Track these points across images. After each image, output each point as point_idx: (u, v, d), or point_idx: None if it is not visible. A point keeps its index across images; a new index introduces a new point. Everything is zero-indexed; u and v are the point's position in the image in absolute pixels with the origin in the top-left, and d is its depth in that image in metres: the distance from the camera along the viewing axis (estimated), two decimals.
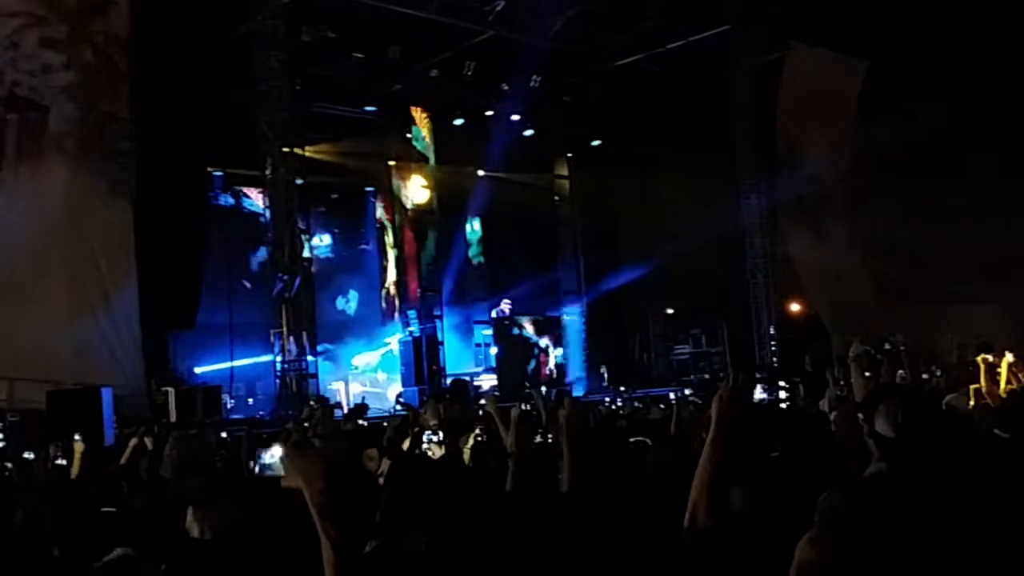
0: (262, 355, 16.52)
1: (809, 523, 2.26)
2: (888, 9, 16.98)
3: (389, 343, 20.02)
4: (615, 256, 22.88)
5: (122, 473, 6.26)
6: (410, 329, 19.16)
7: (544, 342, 20.18)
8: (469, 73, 19.32)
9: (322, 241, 20.17)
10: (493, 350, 19.82)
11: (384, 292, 20.99)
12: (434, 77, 19.41)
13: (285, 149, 15.62)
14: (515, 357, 19.37)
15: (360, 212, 21.31)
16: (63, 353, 13.25)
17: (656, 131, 21.07)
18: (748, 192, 20.38)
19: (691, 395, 13.71)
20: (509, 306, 20.51)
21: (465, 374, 19.35)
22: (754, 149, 20.22)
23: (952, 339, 13.05)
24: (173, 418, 13.68)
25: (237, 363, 17.34)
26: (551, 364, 20.33)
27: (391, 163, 20.73)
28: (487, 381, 19.20)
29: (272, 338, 15.66)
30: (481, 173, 21.74)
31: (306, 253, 16.04)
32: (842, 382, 7.61)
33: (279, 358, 15.53)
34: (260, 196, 16.75)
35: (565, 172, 24.14)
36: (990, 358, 10.47)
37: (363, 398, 16.85)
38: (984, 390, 6.64)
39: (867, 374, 6.69)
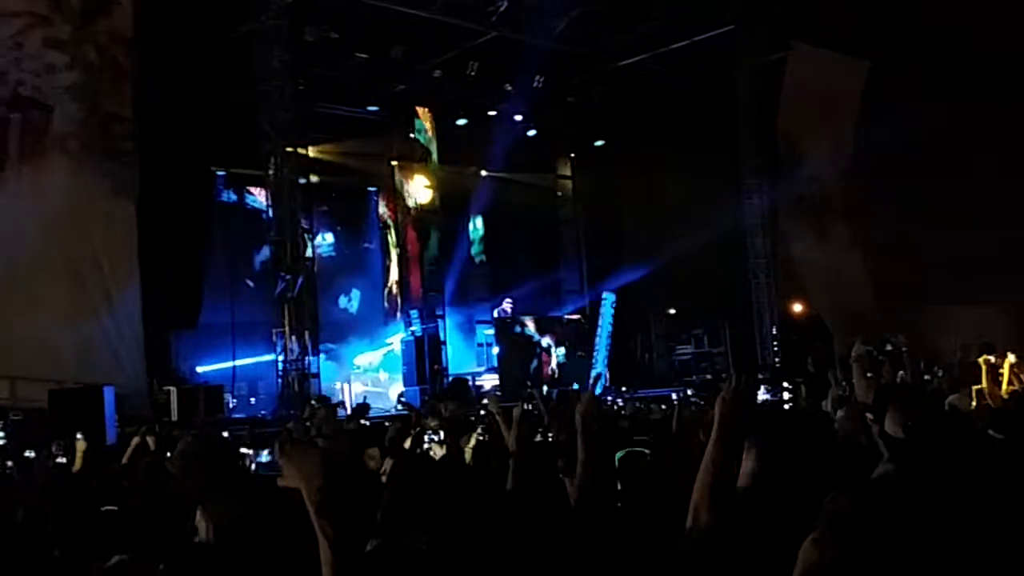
0: (264, 354, 16.52)
1: (812, 524, 2.26)
2: (890, 10, 16.97)
3: (391, 342, 20.02)
4: (617, 256, 22.87)
5: (123, 472, 6.26)
6: (412, 328, 19.17)
7: (546, 341, 20.17)
8: (472, 73, 19.32)
9: (325, 240, 20.17)
10: (495, 350, 19.81)
11: (386, 291, 21.01)
12: (437, 77, 19.42)
13: (288, 149, 15.63)
14: (517, 357, 19.37)
15: (363, 211, 21.33)
16: (65, 352, 13.27)
17: (659, 131, 21.07)
18: (750, 192, 20.38)
19: (693, 395, 13.72)
20: (511, 306, 20.51)
21: (467, 374, 19.35)
22: (756, 149, 20.21)
23: (956, 340, 13.03)
24: (175, 417, 13.69)
25: (239, 362, 17.35)
26: (553, 364, 20.32)
27: (394, 163, 20.74)
28: (489, 381, 19.19)
29: (274, 337, 15.68)
30: (484, 173, 21.75)
31: (308, 252, 16.02)
32: (844, 382, 7.62)
33: (281, 357, 15.55)
34: (263, 192, 16.76)
35: (568, 172, 24.17)
36: (992, 359, 10.47)
37: (364, 397, 16.86)
38: (986, 391, 6.64)
39: (868, 375, 6.70)
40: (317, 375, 15.94)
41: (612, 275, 22.38)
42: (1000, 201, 15.40)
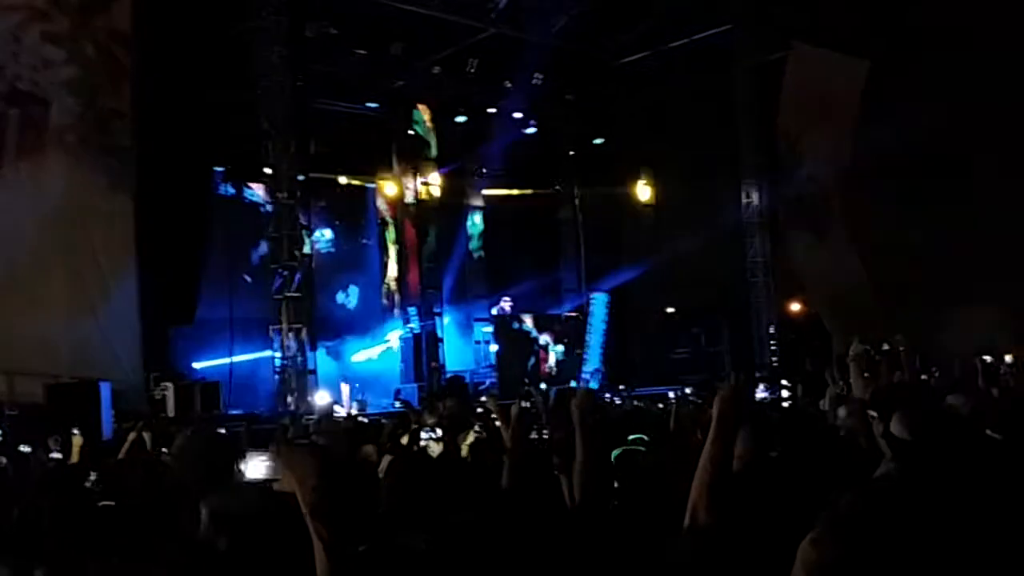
0: (262, 350, 16.50)
1: (811, 523, 2.25)
2: (890, 10, 16.95)
3: (389, 339, 20.02)
4: (616, 255, 22.87)
5: (120, 468, 6.24)
6: (410, 326, 19.17)
7: (544, 339, 20.17)
8: (472, 70, 19.32)
9: (323, 236, 20.16)
10: (493, 347, 19.81)
11: (384, 288, 20.99)
12: (436, 74, 19.41)
13: (287, 145, 15.62)
14: (515, 354, 19.37)
15: (361, 207, 21.31)
16: (62, 347, 13.25)
17: (658, 130, 21.05)
18: (749, 191, 20.40)
19: (691, 394, 13.70)
20: (510, 304, 20.52)
21: (465, 371, 19.35)
22: (755, 149, 20.22)
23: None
24: (172, 413, 13.69)
25: (237, 359, 17.32)
26: (551, 361, 20.32)
27: (393, 159, 20.71)
28: (490, 379, 19.21)
29: (271, 334, 15.67)
30: (483, 170, 21.74)
31: (307, 249, 16.01)
32: (841, 382, 7.60)
33: (278, 354, 15.54)
34: (261, 186, 16.74)
35: (567, 170, 24.13)
36: (988, 359, 10.47)
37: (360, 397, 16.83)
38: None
39: (866, 374, 6.70)
40: (314, 372, 15.93)
41: (611, 274, 22.38)
42: (1000, 201, 15.39)
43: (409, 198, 20.68)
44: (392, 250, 21.05)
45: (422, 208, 20.73)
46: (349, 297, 20.86)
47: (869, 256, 18.36)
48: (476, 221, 22.54)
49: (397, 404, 14.90)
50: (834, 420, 6.18)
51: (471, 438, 6.35)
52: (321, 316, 17.88)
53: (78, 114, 14.01)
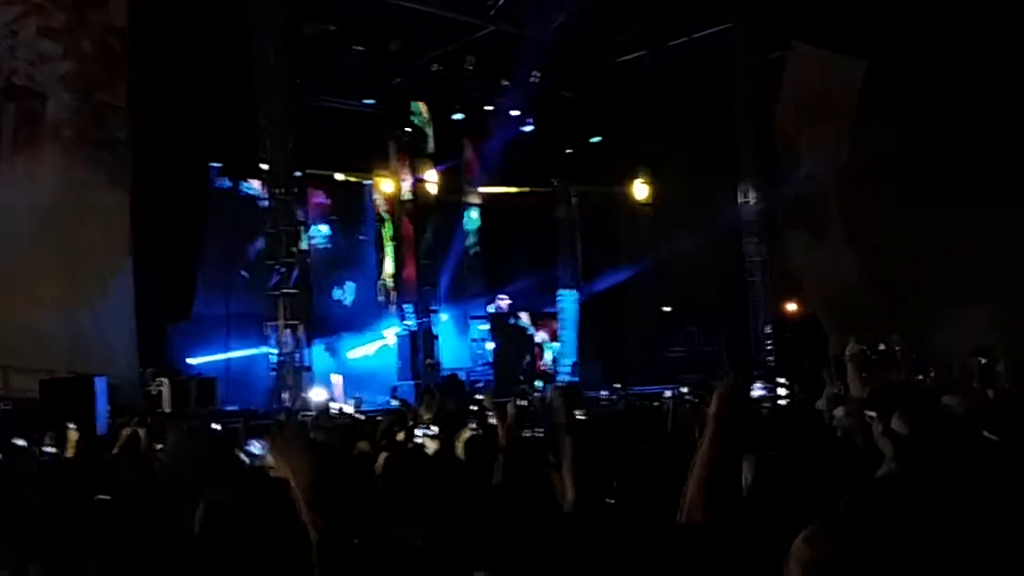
0: (258, 346, 16.48)
1: (806, 522, 2.25)
2: (888, 10, 16.95)
3: (385, 336, 20.01)
4: (613, 253, 22.87)
5: (116, 463, 6.23)
6: (407, 323, 19.16)
7: (540, 336, 20.17)
8: (470, 68, 19.29)
9: (320, 231, 20.14)
10: (489, 345, 19.81)
11: (381, 284, 20.98)
12: (434, 71, 19.38)
13: (284, 141, 15.60)
14: (511, 352, 19.36)
15: (358, 203, 21.29)
16: (57, 342, 13.23)
17: (656, 128, 21.04)
18: (746, 191, 20.41)
19: (687, 393, 13.70)
20: (507, 302, 20.52)
21: (463, 369, 19.34)
22: (753, 148, 20.23)
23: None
24: (168, 409, 13.67)
25: (233, 355, 17.30)
26: (547, 359, 20.32)
27: (390, 155, 20.69)
28: (486, 377, 19.20)
29: (268, 330, 15.65)
30: (480, 167, 21.72)
31: (303, 245, 15.99)
32: (838, 381, 7.60)
33: (275, 350, 15.53)
34: (259, 180, 16.72)
35: (564, 167, 24.09)
36: (983, 360, 10.48)
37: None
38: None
39: (863, 375, 6.69)
40: (311, 368, 15.92)
41: (607, 272, 22.38)
42: (997, 202, 15.40)
43: (406, 195, 20.67)
44: (389, 247, 21.04)
45: (419, 205, 20.72)
46: (346, 293, 20.84)
47: (866, 256, 18.37)
48: (473, 217, 22.54)
49: (393, 402, 14.90)
50: (831, 420, 6.19)
51: (466, 435, 6.35)
52: (318, 313, 17.87)
53: (74, 109, 13.98)
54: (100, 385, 12.13)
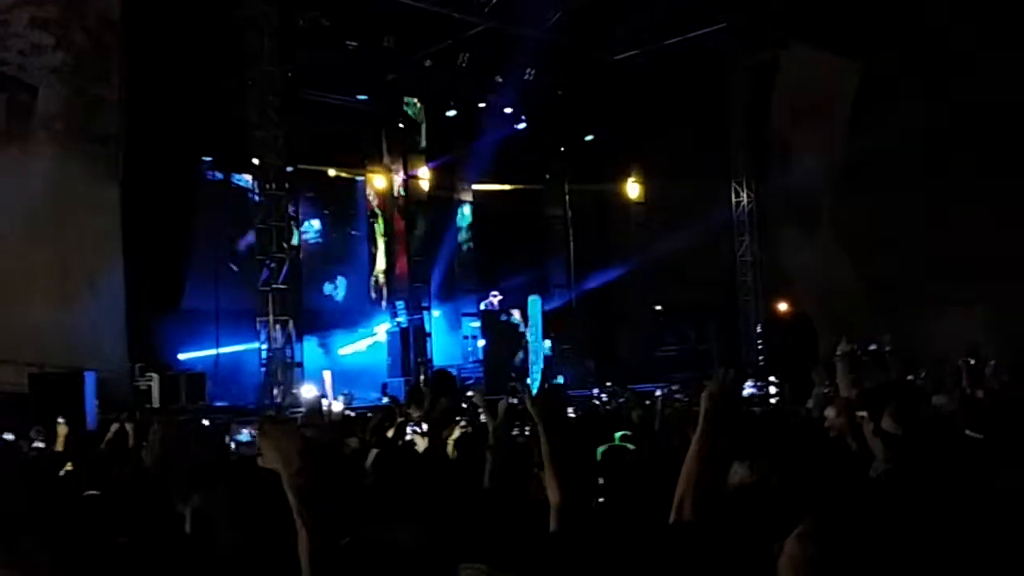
0: (248, 342, 16.43)
1: (797, 520, 2.24)
2: (883, 11, 16.98)
3: (376, 333, 19.97)
4: (605, 251, 22.88)
5: (102, 458, 6.21)
6: (398, 320, 19.12)
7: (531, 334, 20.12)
8: (463, 64, 19.25)
9: (311, 226, 20.09)
10: (481, 342, 19.77)
11: (373, 280, 20.94)
12: (428, 68, 19.34)
13: (275, 136, 15.57)
14: (503, 349, 19.30)
15: (350, 198, 21.24)
16: (47, 336, 13.17)
17: (649, 127, 21.05)
18: (739, 190, 20.44)
19: (677, 391, 13.71)
20: (498, 299, 20.48)
21: (454, 367, 19.31)
22: (746, 147, 20.26)
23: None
24: (156, 404, 13.63)
25: (223, 350, 17.25)
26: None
27: (383, 152, 20.65)
28: (477, 374, 19.15)
29: (258, 326, 15.62)
30: (473, 164, 21.70)
31: (295, 240, 15.96)
32: (828, 381, 7.61)
33: (265, 346, 15.49)
34: (250, 175, 16.67)
35: (557, 165, 24.09)
36: (972, 361, 10.51)
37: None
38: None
39: (852, 374, 6.71)
40: (301, 364, 15.89)
41: (599, 270, 22.39)
42: (989, 203, 15.46)
43: (398, 191, 20.63)
44: (381, 243, 20.99)
45: (411, 201, 20.68)
46: (337, 288, 20.80)
47: (858, 256, 18.42)
48: (466, 214, 22.52)
49: (384, 398, 14.86)
50: (820, 419, 6.20)
51: (457, 433, 6.34)
52: (308, 308, 17.82)
53: (66, 101, 13.92)
54: (89, 380, 12.09)
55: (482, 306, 20.69)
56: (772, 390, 11.83)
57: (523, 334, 19.62)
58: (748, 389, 11.44)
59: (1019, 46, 14.30)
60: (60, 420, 6.96)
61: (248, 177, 17.03)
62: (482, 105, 20.85)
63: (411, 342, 18.34)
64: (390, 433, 6.14)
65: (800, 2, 18.27)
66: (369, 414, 9.14)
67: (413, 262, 20.03)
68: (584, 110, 22.39)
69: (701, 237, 19.32)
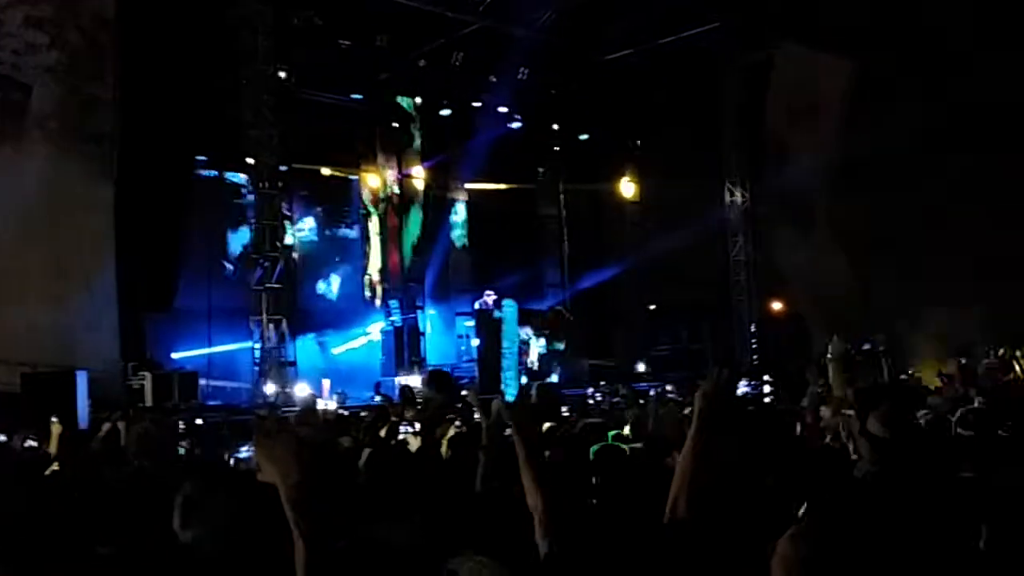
0: (241, 341, 16.41)
1: (789, 520, 2.25)
2: (876, 11, 17.01)
3: (370, 332, 19.95)
4: (599, 251, 22.88)
5: (93, 458, 6.20)
6: (392, 319, 19.11)
7: (526, 333, 20.12)
8: (457, 63, 19.24)
9: (305, 224, 20.06)
10: (475, 341, 19.76)
11: (367, 279, 20.91)
12: (421, 67, 19.33)
13: (270, 134, 15.55)
14: (497, 348, 19.29)
15: (344, 196, 21.21)
16: (39, 335, 13.12)
17: (643, 127, 21.07)
18: (733, 190, 20.46)
19: (671, 391, 13.74)
20: (493, 298, 20.47)
21: (448, 366, 19.29)
22: (740, 147, 20.28)
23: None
24: (149, 403, 13.60)
25: (216, 349, 17.21)
26: (533, 356, 20.28)
27: (377, 151, 20.63)
28: (471, 374, 19.13)
29: (251, 325, 15.60)
30: (466, 163, 21.68)
31: (288, 239, 15.94)
32: (821, 381, 7.63)
33: (258, 345, 15.47)
34: (244, 174, 16.64)
35: (551, 165, 24.09)
36: (964, 360, 10.53)
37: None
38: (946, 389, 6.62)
39: (846, 373, 6.73)
40: (294, 363, 15.88)
41: (593, 269, 22.39)
42: (983, 203, 15.50)
43: (392, 190, 20.61)
44: (375, 241, 20.97)
45: (405, 200, 20.67)
46: (330, 286, 20.78)
47: (853, 256, 18.46)
48: (459, 212, 22.52)
49: (377, 398, 14.85)
50: (815, 419, 6.21)
51: (451, 432, 6.34)
52: (302, 306, 17.81)
53: (60, 100, 13.88)
54: (81, 379, 12.04)
55: (476, 305, 20.68)
56: (766, 389, 11.84)
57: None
58: (742, 388, 11.46)
59: (1016, 46, 14.34)
60: (54, 419, 6.93)
61: (242, 176, 17.00)
62: (476, 104, 20.84)
63: (405, 341, 18.32)
64: (383, 432, 6.14)
65: (794, 1, 18.28)
66: (363, 413, 9.15)
67: (407, 261, 20.02)
68: (578, 109, 22.39)
69: (695, 237, 19.35)
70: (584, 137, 23.02)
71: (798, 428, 6.45)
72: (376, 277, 20.84)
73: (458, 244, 22.40)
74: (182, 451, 7.74)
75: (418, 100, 20.11)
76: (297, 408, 13.31)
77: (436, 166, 21.43)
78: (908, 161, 15.96)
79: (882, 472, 3.26)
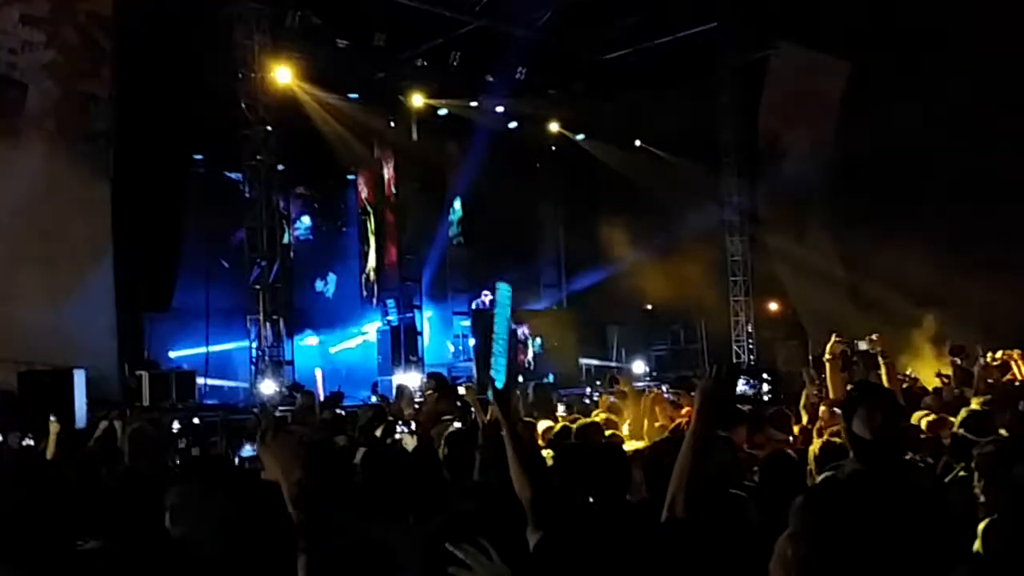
0: (238, 340, 16.40)
1: (784, 519, 2.25)
2: (873, 11, 17.02)
3: (366, 331, 19.94)
4: (596, 251, 22.86)
5: (91, 456, 6.19)
6: (389, 318, 19.10)
7: (522, 332, 20.13)
8: (454, 63, 19.22)
9: (302, 223, 20.04)
10: (471, 341, 19.77)
11: (364, 277, 20.90)
12: (419, 66, 19.31)
13: (267, 134, 15.53)
14: (490, 336, 19.28)
15: (341, 195, 21.21)
16: (37, 334, 13.10)
17: (640, 127, 21.05)
18: (730, 190, 20.46)
19: (667, 391, 13.72)
20: (489, 299, 20.48)
21: (444, 366, 19.28)
22: (737, 147, 20.28)
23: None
24: (146, 402, 13.59)
25: (213, 348, 17.20)
26: (529, 355, 20.30)
27: (374, 148, 20.61)
28: (468, 374, 19.12)
29: (248, 323, 15.58)
30: (463, 161, 21.66)
31: (285, 238, 15.93)
32: (818, 381, 7.63)
33: (255, 344, 15.46)
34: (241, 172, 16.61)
35: (547, 164, 24.08)
36: (959, 360, 10.52)
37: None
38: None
39: (842, 373, 6.72)
40: (291, 362, 15.86)
41: (590, 269, 22.37)
42: (979, 203, 15.51)
43: (390, 187, 20.59)
44: (372, 240, 20.95)
45: (403, 199, 20.64)
46: (327, 285, 20.76)
47: (848, 256, 18.47)
48: (456, 208, 22.49)
49: (373, 397, 14.84)
50: (810, 418, 6.21)
51: (448, 431, 6.32)
52: (299, 304, 17.80)
53: (56, 98, 13.87)
54: (79, 378, 12.03)
55: (473, 305, 20.70)
56: (765, 387, 11.85)
57: (514, 333, 19.56)
58: (741, 386, 11.46)
59: (1016, 46, 14.35)
60: (52, 418, 6.92)
61: (239, 175, 16.98)
62: (474, 104, 20.81)
63: (402, 341, 18.32)
64: (378, 432, 6.13)
65: (793, 1, 18.28)
66: (359, 412, 9.13)
67: (404, 260, 20.00)
68: (574, 109, 22.36)
69: (692, 236, 19.35)
70: (580, 137, 23.01)
71: (795, 428, 6.47)
72: (373, 276, 20.84)
73: (454, 240, 22.40)
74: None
75: (416, 99, 20.04)
76: (299, 408, 13.29)
77: (434, 165, 21.41)
78: (905, 161, 15.97)
79: (860, 474, 3.26)
